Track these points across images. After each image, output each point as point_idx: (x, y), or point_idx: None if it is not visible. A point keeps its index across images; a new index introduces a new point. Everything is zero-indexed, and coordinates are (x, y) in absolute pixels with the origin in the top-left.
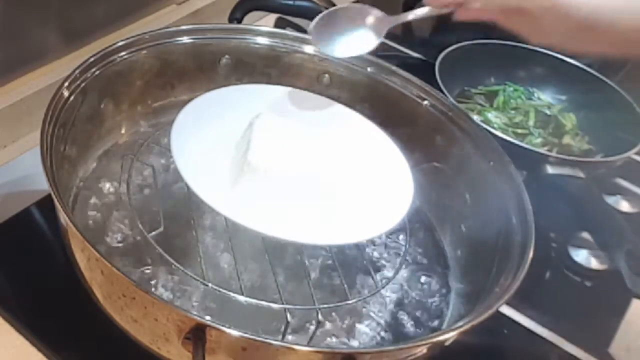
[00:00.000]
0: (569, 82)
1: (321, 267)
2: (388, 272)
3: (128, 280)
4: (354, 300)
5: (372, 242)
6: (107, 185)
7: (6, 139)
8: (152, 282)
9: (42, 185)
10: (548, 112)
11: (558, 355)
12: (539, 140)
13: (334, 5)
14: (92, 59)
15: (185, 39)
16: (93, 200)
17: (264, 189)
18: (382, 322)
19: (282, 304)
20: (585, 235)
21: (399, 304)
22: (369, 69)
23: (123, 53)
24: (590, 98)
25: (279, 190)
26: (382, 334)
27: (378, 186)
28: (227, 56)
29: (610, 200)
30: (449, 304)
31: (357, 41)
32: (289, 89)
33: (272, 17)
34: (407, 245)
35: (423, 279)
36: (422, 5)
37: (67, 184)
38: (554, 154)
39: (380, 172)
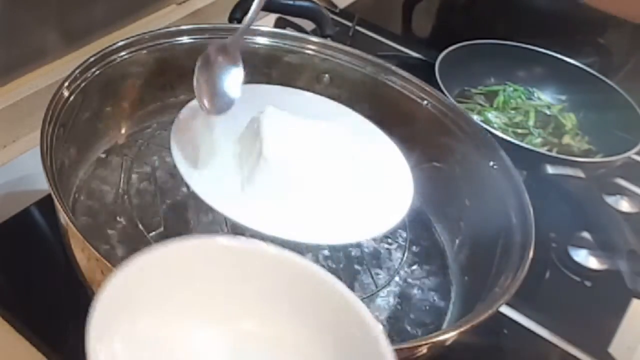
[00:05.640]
0: (569, 82)
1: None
2: (388, 272)
3: None
4: None
5: (372, 241)
6: (107, 185)
7: (6, 139)
8: None
9: (42, 185)
10: (548, 112)
11: (558, 355)
12: (539, 140)
13: (334, 5)
14: (92, 59)
15: (185, 39)
16: (93, 200)
17: (267, 188)
18: (382, 321)
19: None
20: (585, 235)
21: (399, 304)
22: (369, 69)
23: (123, 53)
24: (590, 98)
25: (279, 190)
26: None
27: (378, 186)
28: None
29: (610, 200)
30: (449, 304)
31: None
32: (289, 89)
33: (272, 17)
34: (407, 245)
35: (423, 278)
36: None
37: (67, 184)
38: (554, 154)
39: (380, 172)
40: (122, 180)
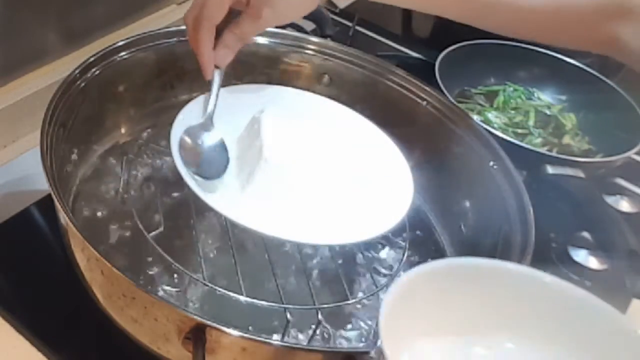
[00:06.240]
0: (569, 82)
1: (321, 267)
2: (388, 272)
3: (128, 280)
4: (354, 300)
5: (372, 241)
6: (107, 185)
7: (6, 139)
8: (152, 282)
9: (42, 185)
10: (548, 112)
11: None
12: (539, 140)
13: (334, 5)
14: (92, 59)
15: (185, 39)
16: (93, 200)
17: (267, 188)
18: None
19: (282, 304)
20: (585, 235)
21: None
22: (369, 69)
23: (123, 53)
24: (590, 98)
25: (279, 190)
26: None
27: (378, 186)
28: None
29: (610, 200)
30: None
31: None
32: (289, 89)
33: None
34: (407, 245)
35: None
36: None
37: (67, 184)
38: (554, 154)
39: (380, 172)
40: (122, 180)
